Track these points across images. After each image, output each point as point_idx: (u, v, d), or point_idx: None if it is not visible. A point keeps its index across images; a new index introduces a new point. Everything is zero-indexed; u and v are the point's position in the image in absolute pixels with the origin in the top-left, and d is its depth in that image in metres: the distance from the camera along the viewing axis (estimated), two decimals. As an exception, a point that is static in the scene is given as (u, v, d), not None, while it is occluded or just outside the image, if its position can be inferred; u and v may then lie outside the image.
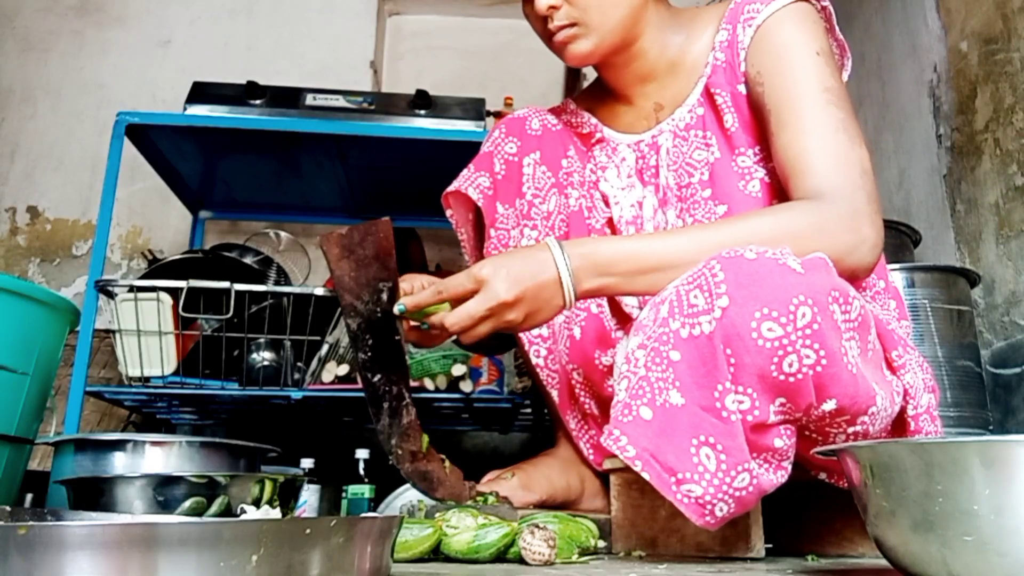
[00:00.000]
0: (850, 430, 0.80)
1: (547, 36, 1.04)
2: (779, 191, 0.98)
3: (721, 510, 0.75)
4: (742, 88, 1.02)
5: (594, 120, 1.16)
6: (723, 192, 1.00)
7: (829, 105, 0.92)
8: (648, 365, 0.77)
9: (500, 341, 1.17)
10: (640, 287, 0.88)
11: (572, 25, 1.00)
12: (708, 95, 1.04)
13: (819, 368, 0.74)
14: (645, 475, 0.74)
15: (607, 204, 1.11)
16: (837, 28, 1.03)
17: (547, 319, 0.91)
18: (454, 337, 0.93)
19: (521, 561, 0.77)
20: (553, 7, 0.99)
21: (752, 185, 0.99)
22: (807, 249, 0.82)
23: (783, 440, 0.78)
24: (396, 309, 0.92)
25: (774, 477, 0.79)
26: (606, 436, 0.77)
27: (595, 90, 1.20)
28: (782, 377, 0.74)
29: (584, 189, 1.13)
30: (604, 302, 1.11)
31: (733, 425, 0.74)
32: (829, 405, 0.76)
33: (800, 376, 0.74)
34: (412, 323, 0.94)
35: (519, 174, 1.13)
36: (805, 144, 0.91)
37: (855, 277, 0.87)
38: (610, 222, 1.12)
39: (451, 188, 1.15)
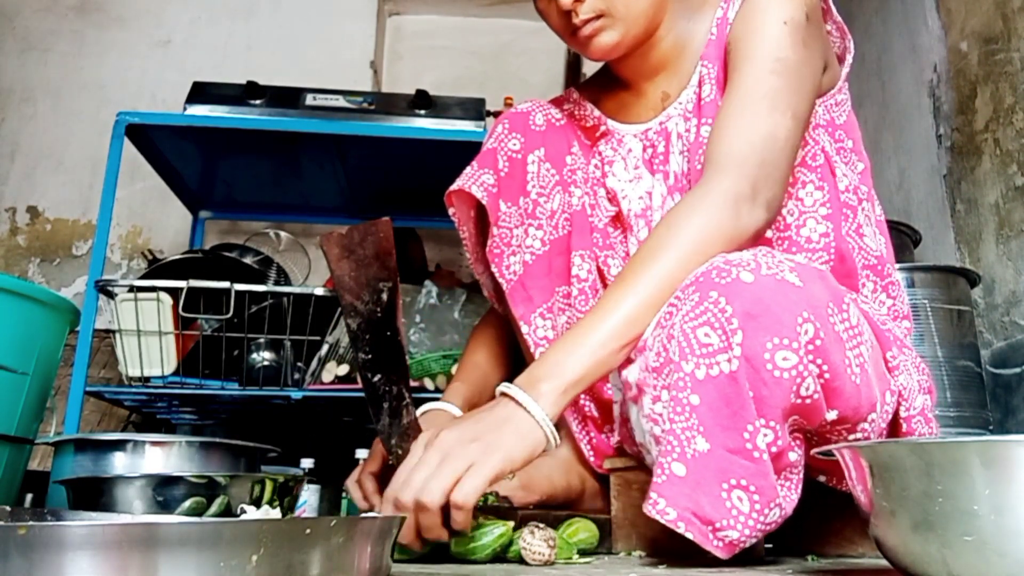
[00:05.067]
0: (850, 437, 0.80)
1: (569, 31, 1.01)
2: None
3: (749, 543, 0.74)
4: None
5: (597, 112, 1.15)
6: (692, 172, 1.00)
7: (771, 74, 0.92)
8: (671, 417, 0.74)
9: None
10: (604, 370, 0.83)
11: (598, 17, 0.98)
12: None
13: (822, 381, 0.74)
14: (688, 535, 0.72)
15: (612, 201, 1.11)
16: (834, 9, 1.03)
17: (522, 450, 0.77)
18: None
19: (521, 561, 0.77)
20: (578, 0, 0.98)
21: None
22: (731, 237, 0.84)
23: (796, 453, 0.78)
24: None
25: (794, 496, 0.78)
26: (646, 502, 0.74)
27: (600, 80, 1.19)
28: (799, 401, 0.73)
29: (588, 187, 1.13)
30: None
31: (764, 464, 0.72)
32: (831, 415, 0.76)
33: (816, 396, 0.74)
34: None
35: (523, 172, 1.12)
36: (725, 112, 0.92)
37: (759, 238, 0.88)
38: (614, 219, 1.11)
39: (454, 186, 1.14)
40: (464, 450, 0.74)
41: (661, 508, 0.73)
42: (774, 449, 0.74)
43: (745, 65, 0.94)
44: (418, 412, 1.07)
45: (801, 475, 0.80)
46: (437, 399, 1.74)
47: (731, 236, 0.84)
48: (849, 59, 1.05)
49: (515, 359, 1.18)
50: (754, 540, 0.74)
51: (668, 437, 0.74)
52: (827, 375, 0.74)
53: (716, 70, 1.01)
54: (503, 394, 0.81)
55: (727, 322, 0.72)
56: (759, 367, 0.72)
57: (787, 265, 0.75)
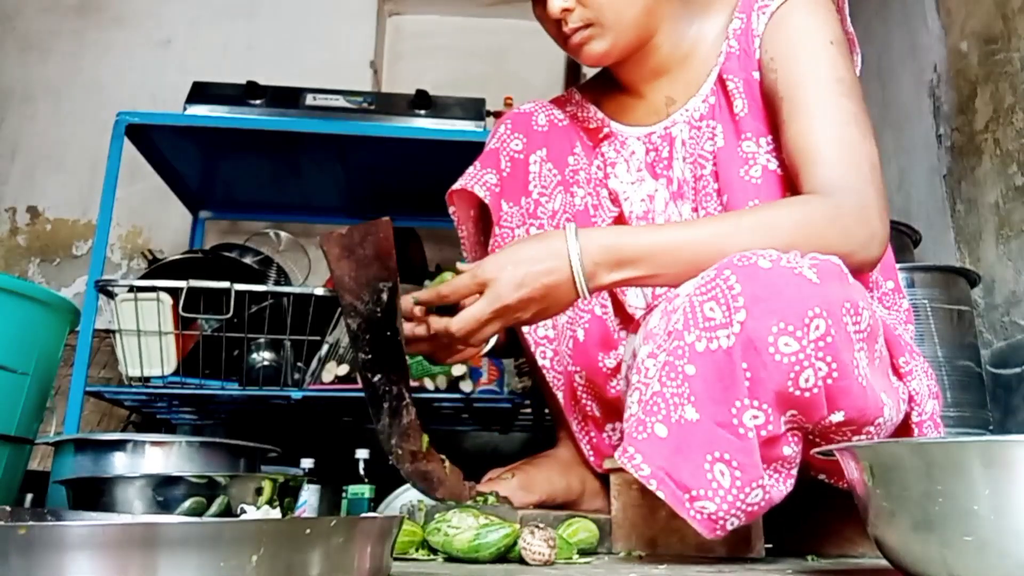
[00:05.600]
0: (855, 440, 0.80)
1: (562, 39, 1.02)
2: (784, 180, 0.97)
3: (732, 524, 0.74)
4: (756, 75, 1.01)
5: (600, 114, 1.15)
6: (724, 181, 1.00)
7: (841, 97, 0.92)
8: (662, 380, 0.76)
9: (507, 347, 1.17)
10: (660, 281, 0.88)
11: (587, 26, 0.99)
12: (721, 83, 1.03)
13: (829, 380, 0.74)
14: (660, 494, 0.73)
15: (615, 202, 1.10)
16: (848, 20, 1.03)
17: (558, 313, 0.91)
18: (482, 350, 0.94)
19: (521, 561, 0.77)
20: (567, 10, 0.97)
21: (754, 171, 0.98)
22: (823, 244, 0.82)
23: (791, 448, 0.78)
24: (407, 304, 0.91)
25: (783, 488, 0.78)
26: (620, 453, 0.76)
27: (602, 82, 1.19)
28: (797, 392, 0.74)
29: (590, 187, 1.13)
30: (608, 304, 1.10)
31: (750, 442, 0.73)
32: (837, 417, 0.76)
33: (815, 391, 0.74)
34: (418, 331, 0.93)
35: (525, 172, 1.12)
36: (816, 135, 0.91)
37: (861, 271, 0.87)
38: (617, 221, 1.11)
39: (457, 186, 1.14)
40: (511, 314, 0.88)
41: (637, 463, 0.74)
42: (763, 433, 0.74)
43: (808, 88, 0.94)
44: None
45: (794, 471, 0.80)
46: (437, 399, 1.75)
47: (846, 252, 0.83)
48: (856, 71, 1.05)
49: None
50: (735, 520, 0.74)
51: (656, 399, 0.76)
52: (835, 374, 0.74)
53: (743, 84, 1.01)
54: (567, 250, 0.86)
55: (733, 300, 0.74)
56: (761, 349, 0.72)
57: (807, 263, 0.76)
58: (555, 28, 1.02)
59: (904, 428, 0.88)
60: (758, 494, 0.74)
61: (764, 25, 1.00)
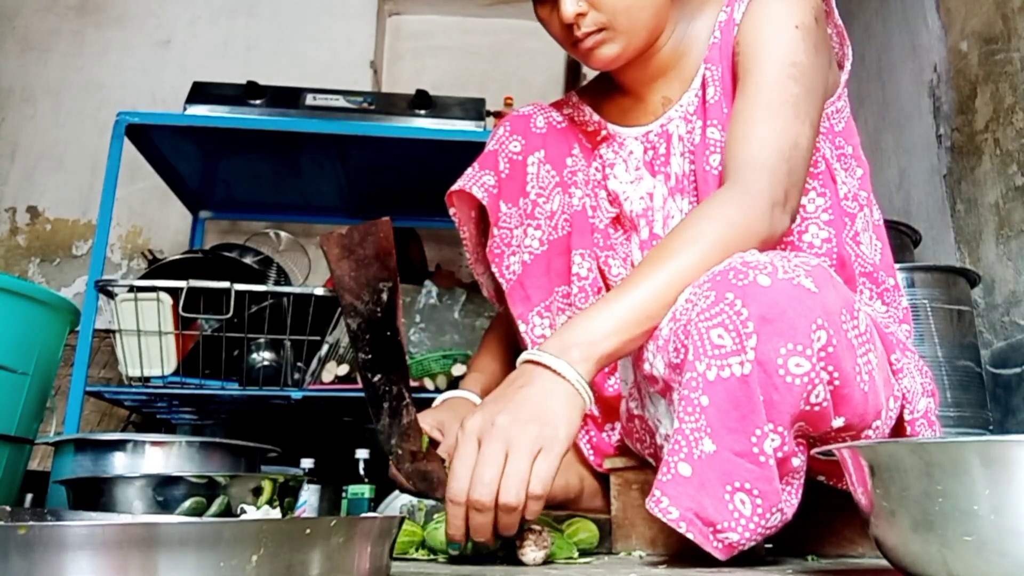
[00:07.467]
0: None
1: (570, 42, 1.02)
2: None
3: (748, 546, 0.74)
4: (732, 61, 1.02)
5: (596, 117, 1.16)
6: (697, 174, 1.00)
7: (788, 79, 0.92)
8: (681, 416, 0.74)
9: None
10: (629, 342, 0.82)
11: (600, 30, 0.99)
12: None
13: (831, 388, 0.74)
14: (689, 535, 0.72)
15: (613, 203, 1.11)
16: (836, 13, 1.03)
17: (570, 422, 0.75)
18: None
19: (521, 561, 0.77)
20: (580, 14, 0.97)
21: (713, 159, 0.99)
22: (749, 235, 0.84)
23: (799, 458, 0.78)
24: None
25: (795, 500, 0.78)
26: (648, 499, 0.74)
27: (600, 84, 1.19)
28: (808, 408, 0.73)
29: (588, 188, 1.13)
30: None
31: (770, 469, 0.72)
32: (837, 423, 0.76)
33: (825, 404, 0.74)
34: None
35: (523, 173, 1.13)
36: (749, 114, 0.92)
37: (778, 244, 0.89)
38: (614, 221, 1.11)
39: (455, 187, 1.15)
40: (526, 435, 0.72)
41: (664, 507, 0.73)
42: (780, 454, 0.74)
43: (761, 68, 0.94)
44: (438, 400, 1.08)
45: (803, 480, 0.80)
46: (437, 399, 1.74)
47: (763, 238, 0.85)
48: (848, 66, 1.06)
49: None
50: (753, 543, 0.74)
51: (677, 436, 0.74)
52: (837, 382, 0.74)
53: (720, 72, 1.01)
54: (531, 362, 0.78)
55: (742, 325, 0.72)
56: (771, 372, 0.71)
57: (803, 269, 0.75)
58: (563, 32, 1.01)
59: (897, 427, 0.88)
60: (777, 517, 0.74)
61: (743, 13, 1.01)
